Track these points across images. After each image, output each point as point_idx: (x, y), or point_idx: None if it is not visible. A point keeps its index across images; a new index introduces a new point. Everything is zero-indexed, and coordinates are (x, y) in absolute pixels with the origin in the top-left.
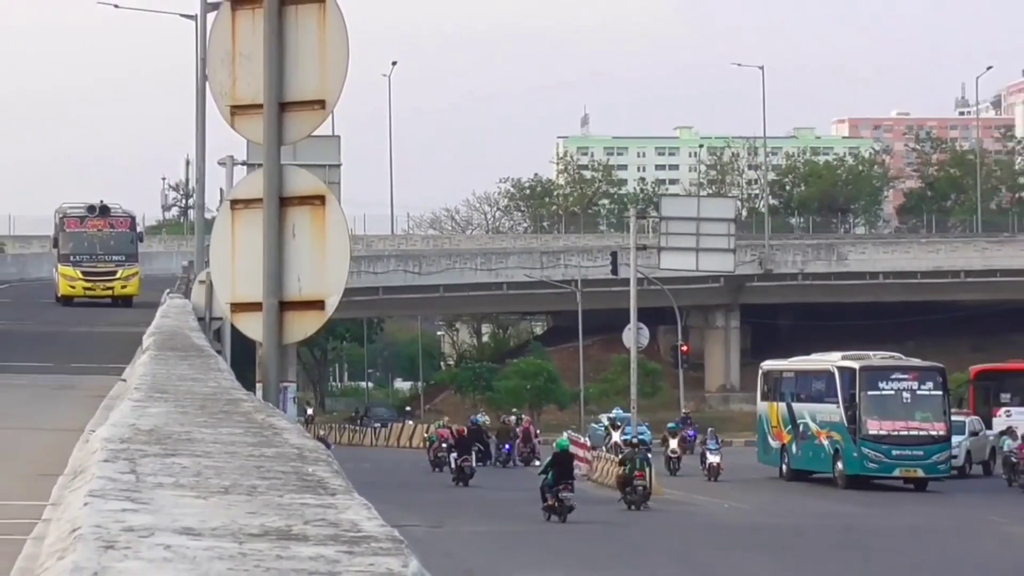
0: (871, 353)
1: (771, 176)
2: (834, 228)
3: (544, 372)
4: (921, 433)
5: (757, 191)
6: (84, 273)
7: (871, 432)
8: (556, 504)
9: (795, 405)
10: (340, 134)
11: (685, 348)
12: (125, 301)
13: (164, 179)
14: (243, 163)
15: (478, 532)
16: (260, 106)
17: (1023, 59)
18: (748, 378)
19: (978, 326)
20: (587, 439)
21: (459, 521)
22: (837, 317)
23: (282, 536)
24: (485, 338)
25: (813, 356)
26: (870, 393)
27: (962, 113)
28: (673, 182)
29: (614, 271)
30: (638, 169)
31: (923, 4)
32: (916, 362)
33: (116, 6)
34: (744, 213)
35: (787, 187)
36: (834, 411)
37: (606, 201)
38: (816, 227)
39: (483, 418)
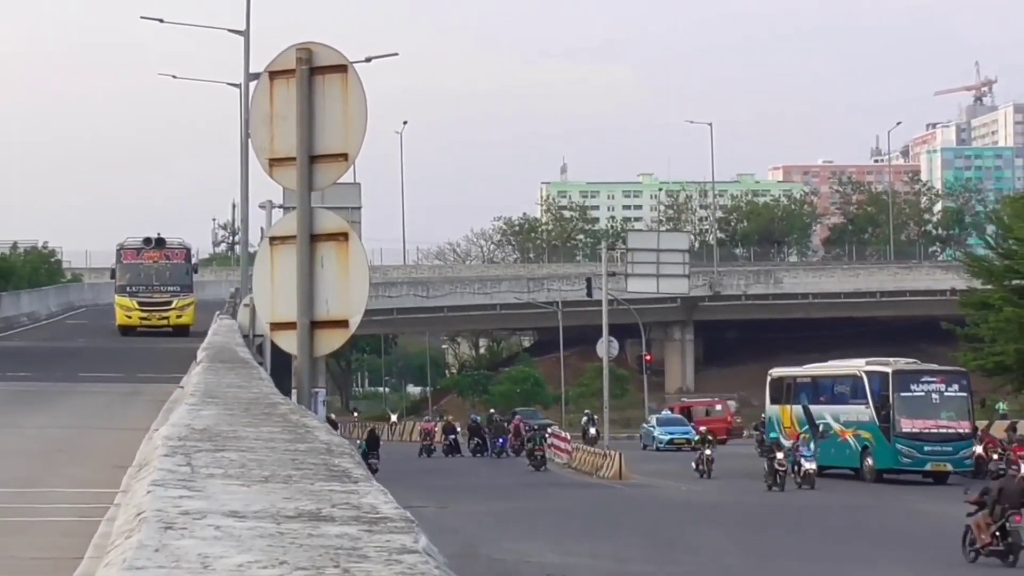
0: (892, 359)
1: (719, 214)
2: (771, 257)
3: (531, 378)
4: (949, 431)
5: (707, 226)
6: (140, 303)
7: (904, 430)
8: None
9: (813, 407)
10: (360, 181)
11: (649, 357)
12: (182, 331)
13: (214, 220)
14: (280, 206)
15: (478, 511)
16: (294, 159)
17: (926, 116)
18: (701, 382)
19: (893, 338)
20: (585, 433)
21: (461, 502)
22: (774, 331)
23: (313, 517)
24: (482, 350)
25: (830, 363)
26: (903, 394)
27: (876, 160)
28: (637, 219)
29: (589, 294)
30: (608, 209)
31: (842, 68)
32: (943, 367)
33: (175, 76)
34: (696, 245)
35: (732, 223)
36: (863, 411)
37: (582, 236)
38: (756, 256)
39: (496, 415)
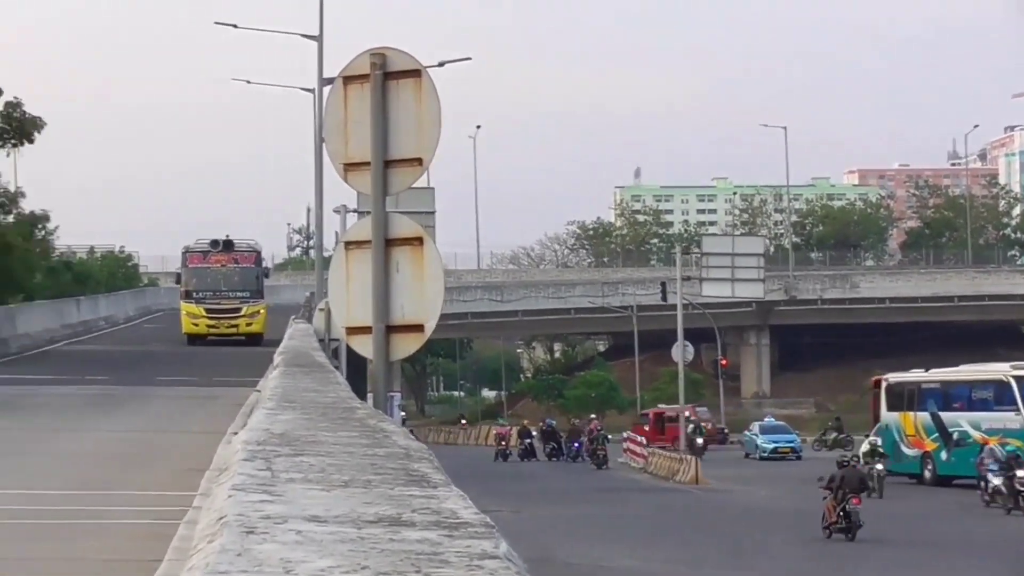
0: None
1: (794, 218)
2: (847, 261)
3: (606, 382)
4: None
5: (782, 231)
6: (208, 311)
7: None
8: None
9: (944, 414)
10: (434, 186)
11: (724, 362)
12: (254, 339)
13: (289, 224)
14: (354, 211)
15: (552, 516)
16: (368, 164)
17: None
18: (776, 386)
19: (970, 342)
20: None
21: (536, 507)
22: (850, 335)
23: (393, 522)
24: (557, 354)
25: (963, 367)
26: None
27: (954, 164)
28: (711, 224)
29: (663, 298)
30: (682, 213)
31: (918, 71)
32: None
33: (248, 82)
34: (771, 249)
35: (807, 227)
36: (1011, 418)
37: (656, 240)
38: (832, 260)
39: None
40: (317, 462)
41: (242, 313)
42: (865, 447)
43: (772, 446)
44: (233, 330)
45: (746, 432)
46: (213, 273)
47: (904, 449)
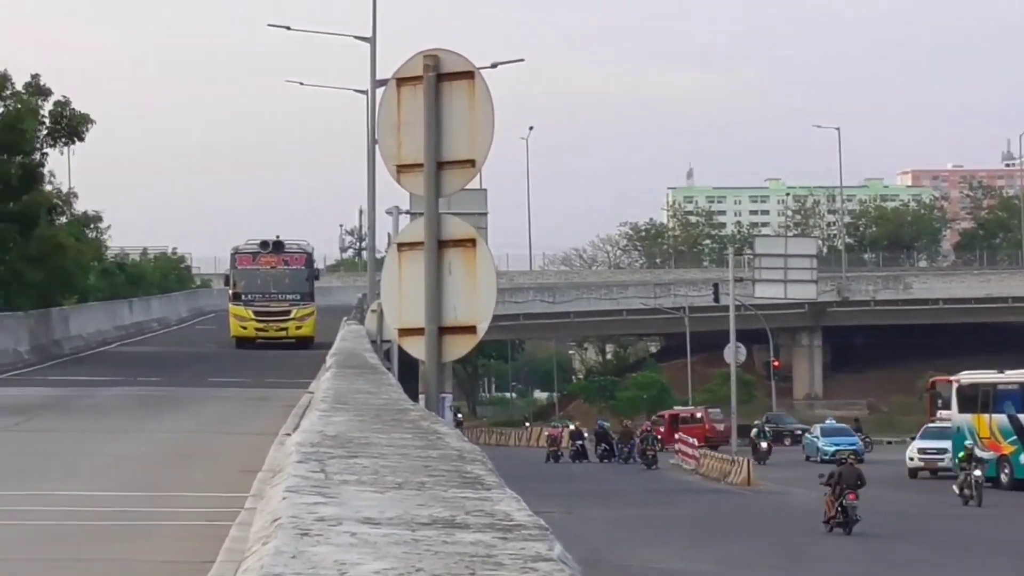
0: None
1: (847, 219)
2: (900, 262)
3: (658, 384)
4: None
5: (835, 231)
6: (256, 313)
7: None
8: None
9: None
10: (487, 187)
11: (776, 363)
12: (303, 343)
13: (341, 226)
14: (407, 212)
15: (604, 517)
16: (421, 165)
17: None
18: (829, 388)
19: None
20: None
21: (587, 508)
22: (904, 336)
23: (447, 525)
24: (608, 355)
25: None
26: None
27: (1008, 165)
28: (764, 225)
29: (716, 299)
30: (735, 214)
31: (972, 71)
32: None
33: (302, 83)
34: (824, 250)
35: (860, 228)
36: None
37: (708, 241)
38: (885, 261)
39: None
40: (371, 464)
41: (291, 316)
42: (961, 453)
43: (833, 448)
44: (282, 333)
45: (807, 434)
46: (262, 275)
47: (979, 452)
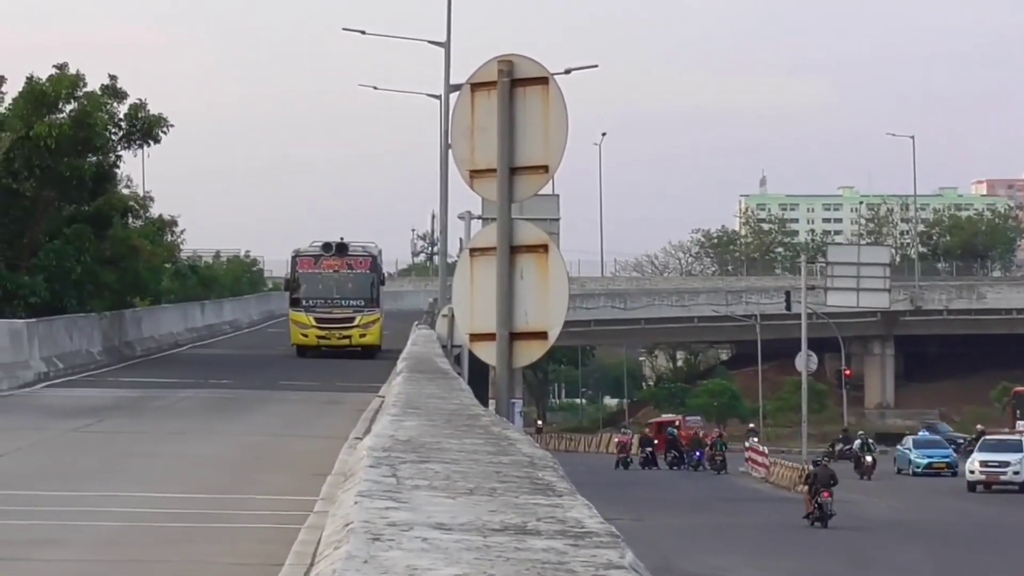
0: None
1: (920, 228)
2: (974, 271)
3: (728, 391)
4: None
5: (908, 240)
6: (318, 320)
7: None
8: None
9: None
10: (559, 193)
11: (848, 372)
12: (368, 351)
13: (413, 230)
14: (479, 217)
15: (673, 524)
16: (494, 170)
17: None
18: (901, 397)
19: None
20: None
21: (657, 515)
22: (977, 346)
23: (519, 531)
24: (679, 362)
25: None
26: None
27: None
28: (837, 233)
29: (788, 307)
30: (808, 222)
31: None
32: None
33: (375, 87)
34: (897, 259)
35: (934, 237)
36: None
37: (781, 249)
38: (959, 271)
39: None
40: (442, 469)
41: (355, 323)
42: None
43: (926, 461)
44: (345, 342)
45: (898, 446)
46: (324, 279)
47: None
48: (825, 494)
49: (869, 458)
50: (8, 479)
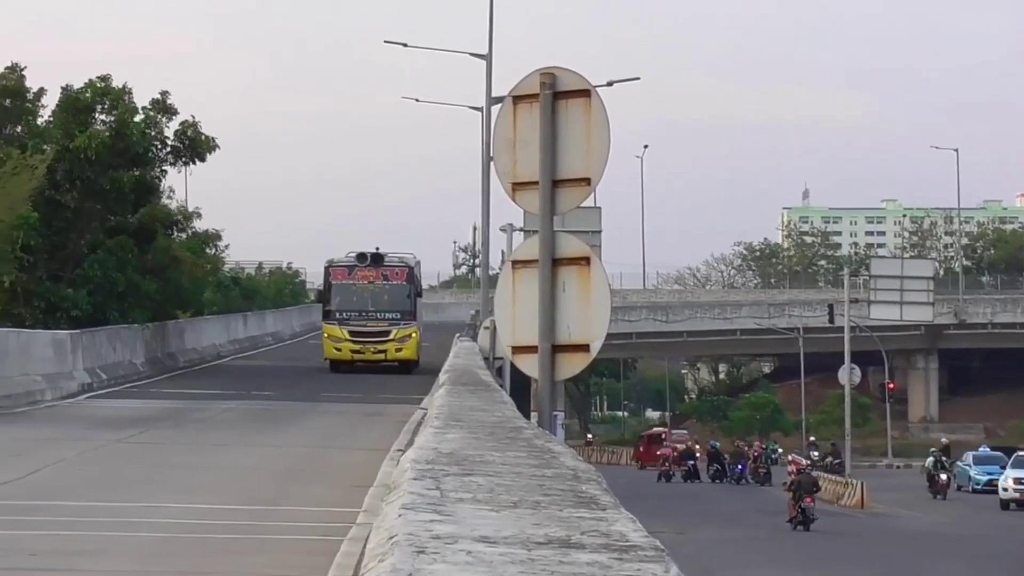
0: None
1: (964, 241)
2: (1019, 285)
3: (771, 404)
4: None
5: (952, 254)
6: (352, 333)
7: None
8: None
9: None
10: (600, 205)
11: (892, 386)
12: (404, 367)
13: (455, 242)
14: (520, 229)
15: (716, 538)
16: (536, 183)
17: None
18: (945, 411)
19: None
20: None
21: (699, 528)
22: (1021, 359)
23: (563, 544)
24: (721, 375)
25: None
26: None
27: None
28: (880, 246)
29: (831, 320)
30: (850, 235)
31: None
32: None
33: (417, 100)
34: (941, 272)
35: (978, 250)
36: None
37: (824, 262)
38: (1003, 284)
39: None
40: (486, 482)
41: (391, 337)
42: None
43: (986, 478)
44: (381, 356)
45: (958, 463)
46: (359, 291)
47: None
48: (808, 500)
49: (944, 476)
50: (53, 489)
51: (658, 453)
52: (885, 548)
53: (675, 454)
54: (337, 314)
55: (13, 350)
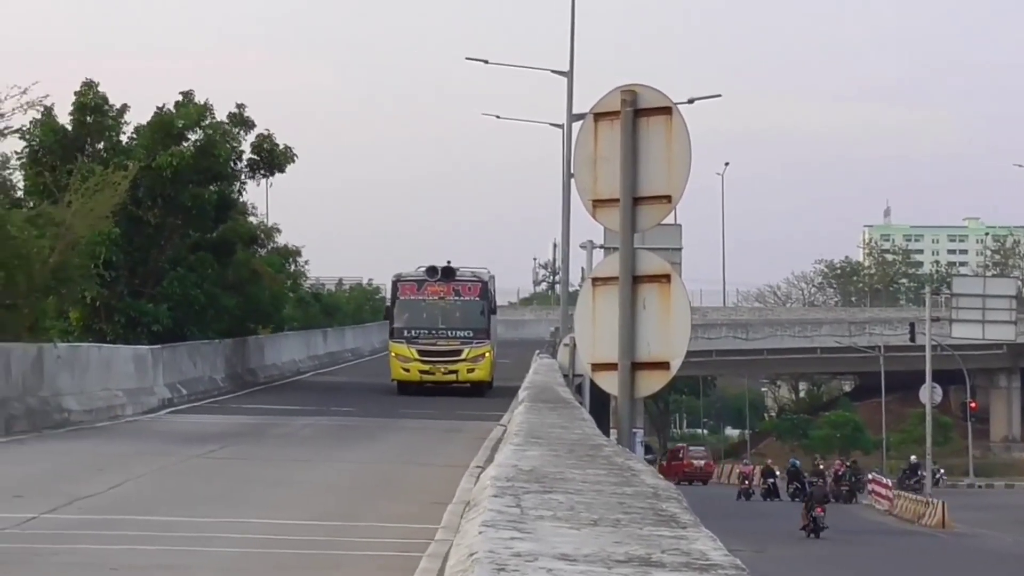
0: None
1: None
2: None
3: (851, 423)
4: None
5: None
6: (421, 352)
7: None
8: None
9: None
10: (681, 222)
11: (973, 405)
12: (477, 388)
13: (535, 259)
14: (601, 247)
15: (795, 556)
16: (617, 200)
17: None
18: None
19: None
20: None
21: (779, 547)
22: None
23: (643, 563)
24: (802, 393)
25: None
26: None
27: None
28: (962, 264)
29: (912, 339)
30: (932, 253)
31: None
32: None
33: (498, 116)
34: (1023, 291)
35: None
36: None
37: (905, 280)
38: None
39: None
40: (566, 500)
41: (463, 357)
42: None
43: None
44: (451, 377)
45: None
46: (429, 307)
47: None
48: (819, 509)
49: None
50: (132, 504)
51: (738, 471)
52: (964, 568)
53: (751, 472)
54: (405, 332)
55: (95, 365)
